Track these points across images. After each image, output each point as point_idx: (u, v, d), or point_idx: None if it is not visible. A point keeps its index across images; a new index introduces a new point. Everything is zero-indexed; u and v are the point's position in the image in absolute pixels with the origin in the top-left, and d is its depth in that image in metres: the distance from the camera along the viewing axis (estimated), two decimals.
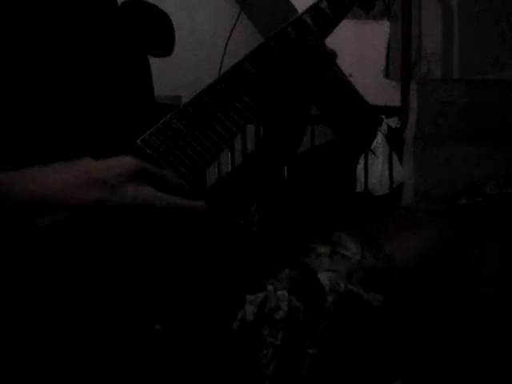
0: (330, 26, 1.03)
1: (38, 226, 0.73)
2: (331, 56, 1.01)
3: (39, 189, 0.74)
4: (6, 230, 0.72)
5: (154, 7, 1.00)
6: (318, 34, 1.01)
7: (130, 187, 0.77)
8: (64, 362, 0.75)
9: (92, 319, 0.78)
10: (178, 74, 2.92)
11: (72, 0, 0.92)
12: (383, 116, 3.20)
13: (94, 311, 0.78)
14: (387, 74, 3.46)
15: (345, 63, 3.44)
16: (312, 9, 1.02)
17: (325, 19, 1.02)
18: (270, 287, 0.93)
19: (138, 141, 0.87)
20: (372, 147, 3.22)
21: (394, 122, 3.20)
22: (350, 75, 3.45)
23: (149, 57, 1.02)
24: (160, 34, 1.00)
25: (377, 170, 3.23)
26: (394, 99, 3.32)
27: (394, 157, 3.20)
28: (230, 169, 2.85)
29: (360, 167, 3.25)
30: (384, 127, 3.19)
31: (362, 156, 3.24)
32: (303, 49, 0.98)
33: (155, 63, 1.04)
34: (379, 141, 3.21)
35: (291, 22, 1.00)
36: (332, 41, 1.06)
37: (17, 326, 0.74)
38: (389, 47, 3.42)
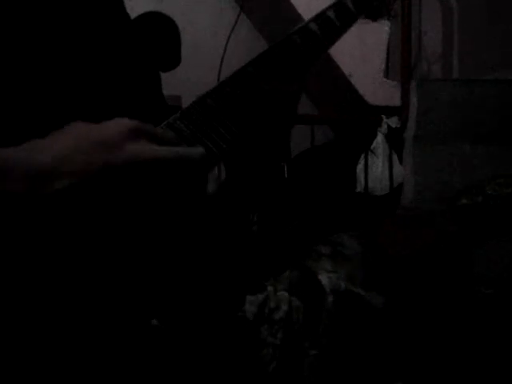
0: (336, 34, 1.03)
1: (51, 192, 0.74)
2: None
3: (50, 156, 0.75)
4: (23, 199, 0.74)
5: (169, 20, 1.01)
6: (325, 42, 1.02)
7: (131, 145, 0.78)
8: (61, 358, 0.76)
9: (89, 313, 0.78)
10: (177, 74, 2.92)
11: (81, 7, 0.92)
12: (383, 116, 3.20)
13: (92, 304, 0.78)
14: (387, 74, 3.45)
15: (345, 63, 3.44)
16: (319, 17, 1.02)
17: (331, 27, 1.02)
18: (270, 288, 0.93)
19: None
20: (372, 147, 3.22)
21: (394, 122, 3.20)
22: (350, 75, 3.45)
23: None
24: (170, 52, 1.01)
25: (377, 170, 3.23)
26: (394, 99, 3.32)
27: (394, 157, 3.20)
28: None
29: (360, 167, 3.25)
30: (384, 127, 3.19)
31: (362, 156, 3.24)
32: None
33: None
34: (379, 141, 3.21)
35: (297, 30, 1.00)
36: None
37: (15, 318, 0.75)
38: (389, 47, 3.42)
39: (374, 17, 1.14)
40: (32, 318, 0.75)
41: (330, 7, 1.03)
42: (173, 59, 1.03)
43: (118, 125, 0.79)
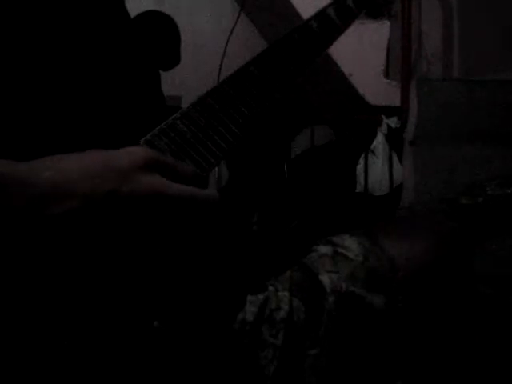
0: (336, 32, 1.03)
1: (52, 214, 0.73)
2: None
3: (55, 177, 0.74)
4: (22, 218, 0.72)
5: (169, 19, 1.01)
6: (324, 39, 1.02)
7: (143, 177, 0.77)
8: (62, 359, 0.75)
9: (91, 315, 0.78)
10: (177, 75, 2.92)
11: (81, 7, 0.92)
12: (383, 116, 3.20)
13: (94, 306, 0.78)
14: (387, 74, 3.46)
15: (345, 63, 3.44)
16: (318, 15, 1.02)
17: (331, 25, 1.02)
18: (271, 288, 0.93)
19: (141, 141, 0.87)
20: (372, 147, 3.22)
21: (393, 122, 3.20)
22: (350, 75, 3.45)
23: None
24: (170, 50, 1.01)
25: (377, 169, 3.23)
26: (394, 99, 3.32)
27: (394, 157, 3.20)
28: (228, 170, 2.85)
29: (360, 167, 3.26)
30: (384, 127, 3.20)
31: (362, 156, 3.24)
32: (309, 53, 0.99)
33: None
34: (379, 141, 3.21)
35: (297, 28, 1.01)
36: None
37: (16, 321, 0.75)
38: (389, 47, 3.42)
39: (375, 15, 1.14)
40: (32, 319, 0.75)
41: (329, 5, 1.03)
42: (172, 58, 1.03)
43: (133, 154, 0.78)
